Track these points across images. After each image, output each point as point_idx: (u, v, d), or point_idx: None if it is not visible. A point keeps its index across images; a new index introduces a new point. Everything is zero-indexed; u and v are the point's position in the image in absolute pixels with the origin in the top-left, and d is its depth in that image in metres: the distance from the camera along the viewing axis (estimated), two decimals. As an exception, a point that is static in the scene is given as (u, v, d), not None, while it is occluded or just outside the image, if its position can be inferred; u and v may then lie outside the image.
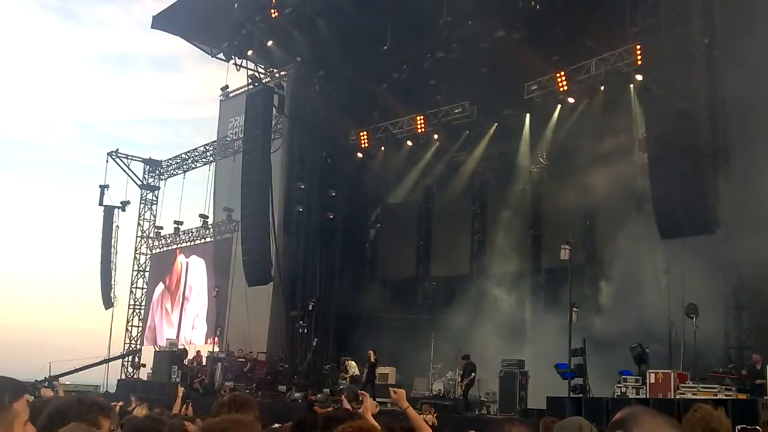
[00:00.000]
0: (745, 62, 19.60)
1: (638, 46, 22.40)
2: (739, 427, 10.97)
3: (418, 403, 21.62)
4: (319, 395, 24.10)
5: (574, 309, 19.48)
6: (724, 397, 16.02)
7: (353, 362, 26.50)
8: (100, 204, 40.74)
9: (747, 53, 19.67)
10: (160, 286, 41.69)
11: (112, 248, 41.34)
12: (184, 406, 12.03)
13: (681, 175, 19.09)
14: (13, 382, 3.17)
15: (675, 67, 19.70)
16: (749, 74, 19.49)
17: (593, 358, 19.74)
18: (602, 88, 25.02)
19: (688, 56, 19.58)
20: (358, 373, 25.86)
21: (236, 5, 29.71)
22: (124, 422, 5.25)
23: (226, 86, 37.39)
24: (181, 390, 13.55)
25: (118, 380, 36.04)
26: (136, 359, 39.36)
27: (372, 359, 25.40)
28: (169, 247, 41.75)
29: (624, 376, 18.70)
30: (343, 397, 12.25)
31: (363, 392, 5.71)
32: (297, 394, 26.07)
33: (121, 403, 13.30)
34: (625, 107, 24.41)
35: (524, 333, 26.47)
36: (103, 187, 40.62)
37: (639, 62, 22.55)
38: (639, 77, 22.75)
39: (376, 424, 4.30)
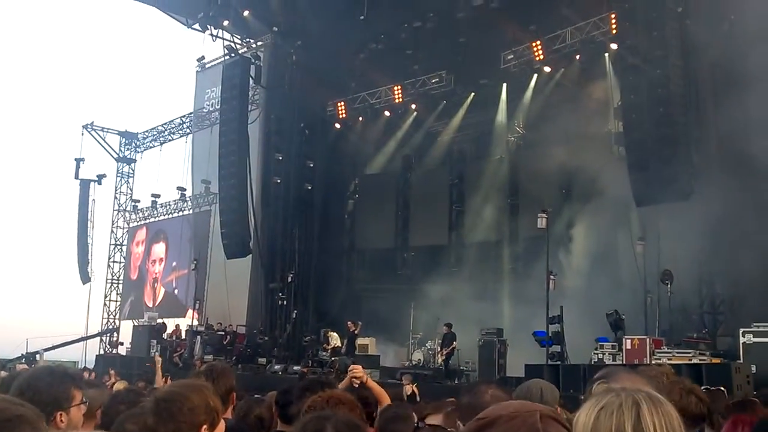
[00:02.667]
0: (717, 30, 19.75)
1: (613, 15, 22.48)
2: (703, 388, 11.15)
3: (398, 373, 21.84)
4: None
5: (552, 277, 19.67)
6: (699, 362, 16.27)
7: (335, 333, 26.61)
8: (76, 177, 40.46)
9: (719, 21, 19.82)
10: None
11: (89, 222, 41.12)
12: (164, 379, 12.08)
13: (656, 142, 19.28)
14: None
15: (649, 35, 19.86)
16: (722, 42, 19.64)
17: (570, 326, 19.94)
18: (578, 57, 25.07)
19: (661, 25, 19.72)
20: (340, 345, 25.99)
21: (212, -25, 29.47)
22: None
23: (202, 57, 37.18)
24: (158, 360, 13.58)
25: (96, 355, 35.95)
26: (114, 337, 39.26)
27: (351, 330, 25.55)
28: (147, 221, 41.66)
29: (601, 343, 18.93)
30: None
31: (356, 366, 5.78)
32: (277, 366, 26.16)
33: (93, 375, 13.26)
34: (601, 76, 24.53)
35: (502, 301, 26.63)
36: (79, 161, 40.32)
37: (614, 31, 22.61)
38: (614, 46, 22.81)
39: (348, 394, 4.36)
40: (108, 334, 39.60)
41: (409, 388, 16.67)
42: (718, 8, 19.73)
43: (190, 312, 33.29)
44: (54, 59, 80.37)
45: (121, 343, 37.52)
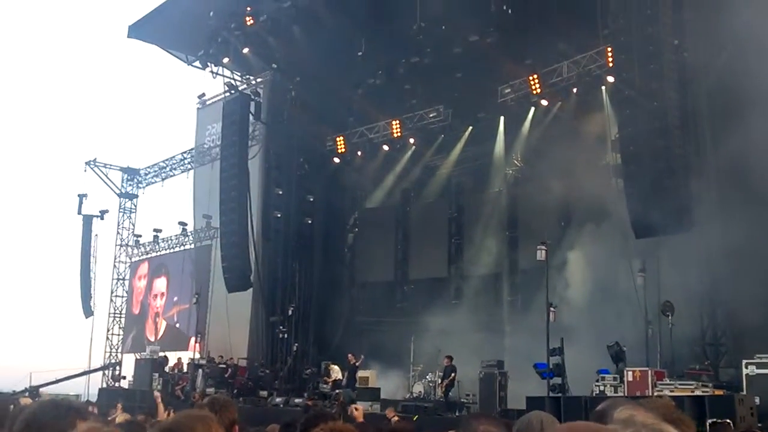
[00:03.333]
0: (714, 62, 19.92)
1: (609, 48, 22.59)
2: (710, 420, 11.18)
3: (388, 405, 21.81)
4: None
5: (552, 309, 19.66)
6: (701, 393, 16.24)
7: (336, 366, 26.60)
8: (79, 213, 40.60)
9: (716, 53, 19.99)
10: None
11: (92, 257, 41.23)
12: (167, 412, 12.08)
13: (654, 174, 19.36)
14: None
15: (645, 68, 19.99)
16: (718, 75, 19.80)
17: (571, 358, 19.91)
18: (575, 90, 25.22)
19: (658, 57, 19.86)
20: (341, 378, 25.95)
21: (212, 13, 29.80)
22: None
23: (203, 94, 37.47)
24: (157, 395, 13.58)
25: (99, 389, 35.88)
26: (116, 371, 39.14)
27: (352, 363, 25.53)
28: (149, 255, 41.75)
29: (602, 375, 18.88)
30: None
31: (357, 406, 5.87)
32: (278, 399, 26.11)
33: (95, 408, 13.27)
34: (598, 109, 24.66)
35: (503, 334, 26.62)
36: (82, 196, 40.49)
37: (610, 64, 22.72)
38: (611, 79, 22.90)
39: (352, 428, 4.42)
40: (111, 368, 39.45)
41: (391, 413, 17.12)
42: (714, 40, 19.89)
43: (191, 345, 33.28)
44: (57, 97, 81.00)
45: (124, 377, 37.42)
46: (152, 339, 39.77)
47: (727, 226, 18.24)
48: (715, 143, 20.19)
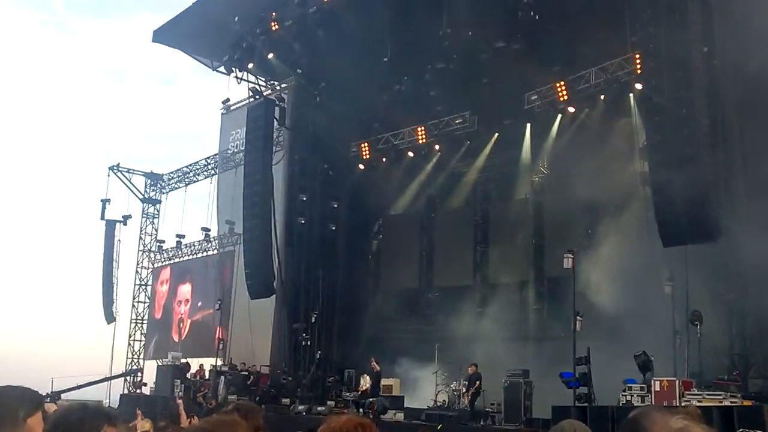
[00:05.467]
0: (743, 70, 19.65)
1: (637, 55, 22.43)
2: (740, 430, 11.01)
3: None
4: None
5: (579, 317, 19.46)
6: (730, 404, 16.02)
7: (367, 376, 26.52)
8: (102, 218, 40.83)
9: (745, 61, 19.72)
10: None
11: (114, 262, 41.42)
12: (189, 420, 11.99)
13: (682, 182, 19.06)
14: (31, 395, 3.02)
15: (674, 75, 19.76)
16: (748, 82, 19.53)
17: (598, 367, 19.69)
18: (602, 97, 25.11)
19: (687, 64, 19.63)
20: (369, 387, 25.85)
21: (236, 19, 29.84)
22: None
23: (227, 99, 37.49)
24: (180, 403, 13.53)
25: (120, 395, 35.95)
26: (137, 378, 39.19)
27: (376, 370, 25.42)
28: (171, 261, 41.85)
29: (629, 385, 18.67)
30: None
31: None
32: (301, 407, 26.01)
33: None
34: (626, 116, 24.48)
35: (528, 342, 26.43)
36: (105, 202, 40.73)
37: (638, 71, 22.57)
38: (639, 86, 22.75)
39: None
40: (132, 375, 39.51)
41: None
42: (744, 48, 19.63)
43: (214, 352, 33.29)
44: (82, 103, 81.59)
45: (145, 384, 37.51)
46: (177, 340, 39.82)
47: (756, 236, 17.95)
48: (744, 151, 19.93)
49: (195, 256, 40.16)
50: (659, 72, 20.51)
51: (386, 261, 34.31)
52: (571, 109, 25.98)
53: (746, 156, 19.66)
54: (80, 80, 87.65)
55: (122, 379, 39.24)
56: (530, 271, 28.93)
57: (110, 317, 40.87)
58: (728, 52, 20.36)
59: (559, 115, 26.51)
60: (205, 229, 38.52)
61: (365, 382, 26.23)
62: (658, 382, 17.66)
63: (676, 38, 19.80)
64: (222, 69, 32.89)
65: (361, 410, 23.89)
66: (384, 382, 25.52)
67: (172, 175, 42.43)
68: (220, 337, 32.26)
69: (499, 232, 30.19)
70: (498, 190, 31.44)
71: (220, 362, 31.93)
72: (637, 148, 23.50)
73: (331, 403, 25.49)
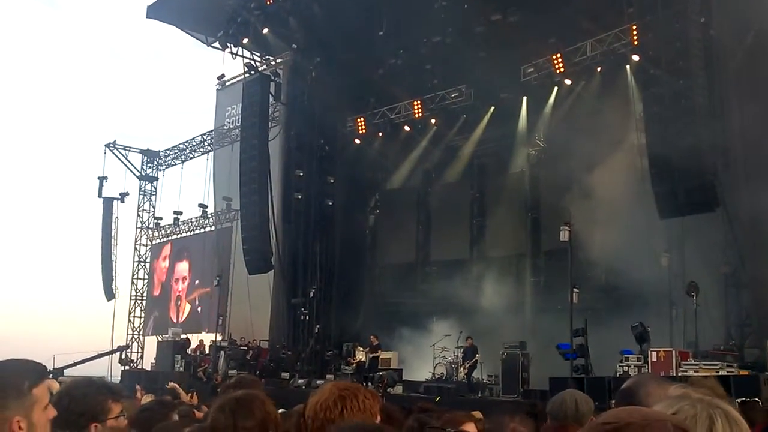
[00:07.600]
0: (741, 39, 19.60)
1: (634, 26, 22.34)
2: (738, 400, 11.08)
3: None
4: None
5: (575, 290, 19.56)
6: (726, 374, 16.12)
7: (362, 348, 26.68)
8: (99, 196, 40.71)
9: (743, 31, 19.67)
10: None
11: (112, 240, 41.41)
12: (189, 395, 12.04)
13: (679, 154, 19.07)
14: (34, 366, 3.08)
15: (671, 46, 19.72)
16: (746, 53, 19.49)
17: (594, 338, 19.81)
18: (599, 69, 25.04)
19: (684, 35, 19.58)
20: (365, 360, 26.01)
21: (231, -7, 29.64)
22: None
23: (222, 75, 37.28)
24: (173, 385, 13.56)
25: (122, 371, 36.06)
26: (124, 355, 39.04)
27: (375, 344, 25.54)
28: (169, 237, 41.89)
29: (626, 355, 18.79)
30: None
31: None
32: (300, 381, 26.15)
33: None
34: (623, 88, 24.39)
35: (525, 315, 26.54)
36: (102, 179, 40.60)
37: (635, 42, 22.51)
38: (636, 57, 22.69)
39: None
40: (121, 350, 39.34)
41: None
42: (741, 19, 19.57)
43: (213, 327, 33.39)
44: (76, 80, 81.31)
45: (132, 360, 37.75)
46: (175, 321, 39.93)
47: (753, 206, 17.99)
48: (742, 122, 19.89)
49: (193, 233, 40.21)
50: (656, 43, 20.46)
51: (383, 235, 34.33)
52: (568, 82, 25.92)
53: (744, 127, 19.62)
54: (74, 57, 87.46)
55: (125, 354, 39.31)
56: (527, 244, 29.00)
57: (110, 294, 40.92)
58: (726, 25, 20.30)
59: (556, 88, 26.41)
60: (203, 206, 38.56)
61: (360, 354, 26.37)
62: (654, 353, 17.78)
63: (673, 9, 19.74)
64: (217, 44, 32.61)
65: (370, 384, 24.02)
66: (383, 355, 25.65)
67: (168, 152, 42.31)
68: (220, 312, 32.37)
69: (495, 205, 30.16)
70: (494, 164, 31.37)
71: (219, 337, 32.04)
72: (634, 119, 23.47)
73: (330, 377, 25.57)
